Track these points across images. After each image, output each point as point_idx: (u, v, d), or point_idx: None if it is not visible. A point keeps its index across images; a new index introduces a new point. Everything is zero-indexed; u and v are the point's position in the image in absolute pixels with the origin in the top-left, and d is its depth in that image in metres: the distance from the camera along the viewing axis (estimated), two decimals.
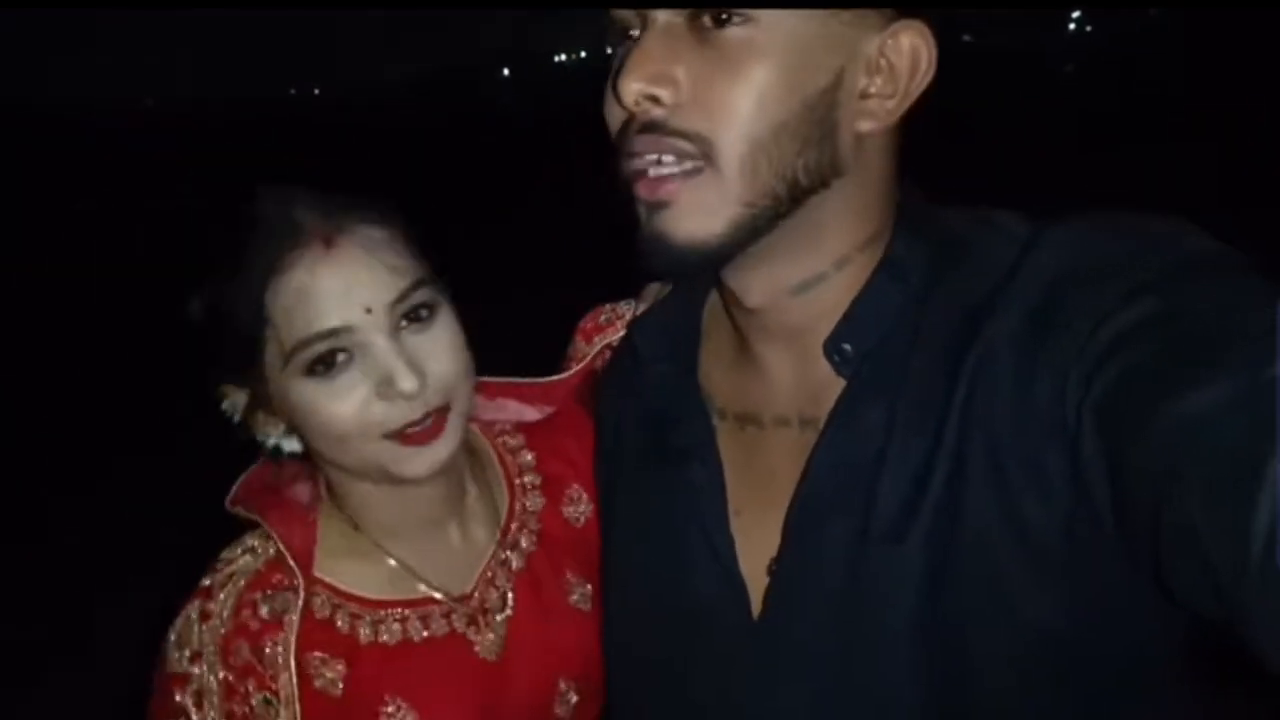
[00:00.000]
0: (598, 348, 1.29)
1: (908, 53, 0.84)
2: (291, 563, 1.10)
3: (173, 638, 1.08)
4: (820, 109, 0.83)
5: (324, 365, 1.00)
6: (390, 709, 1.10)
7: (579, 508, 1.28)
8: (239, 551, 1.13)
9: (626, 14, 0.87)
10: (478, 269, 1.09)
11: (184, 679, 1.06)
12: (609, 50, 0.92)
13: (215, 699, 1.05)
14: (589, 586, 1.24)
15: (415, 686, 1.12)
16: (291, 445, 1.14)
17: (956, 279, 0.88)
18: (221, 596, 1.09)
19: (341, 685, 1.10)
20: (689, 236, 0.85)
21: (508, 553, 1.21)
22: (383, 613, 1.13)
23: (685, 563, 0.99)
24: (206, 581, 1.10)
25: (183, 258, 1.10)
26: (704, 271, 0.94)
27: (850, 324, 0.91)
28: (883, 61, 0.84)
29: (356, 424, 1.02)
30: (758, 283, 0.93)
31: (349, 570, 1.14)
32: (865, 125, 0.86)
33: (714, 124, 0.83)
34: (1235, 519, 0.56)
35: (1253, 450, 0.56)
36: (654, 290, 1.24)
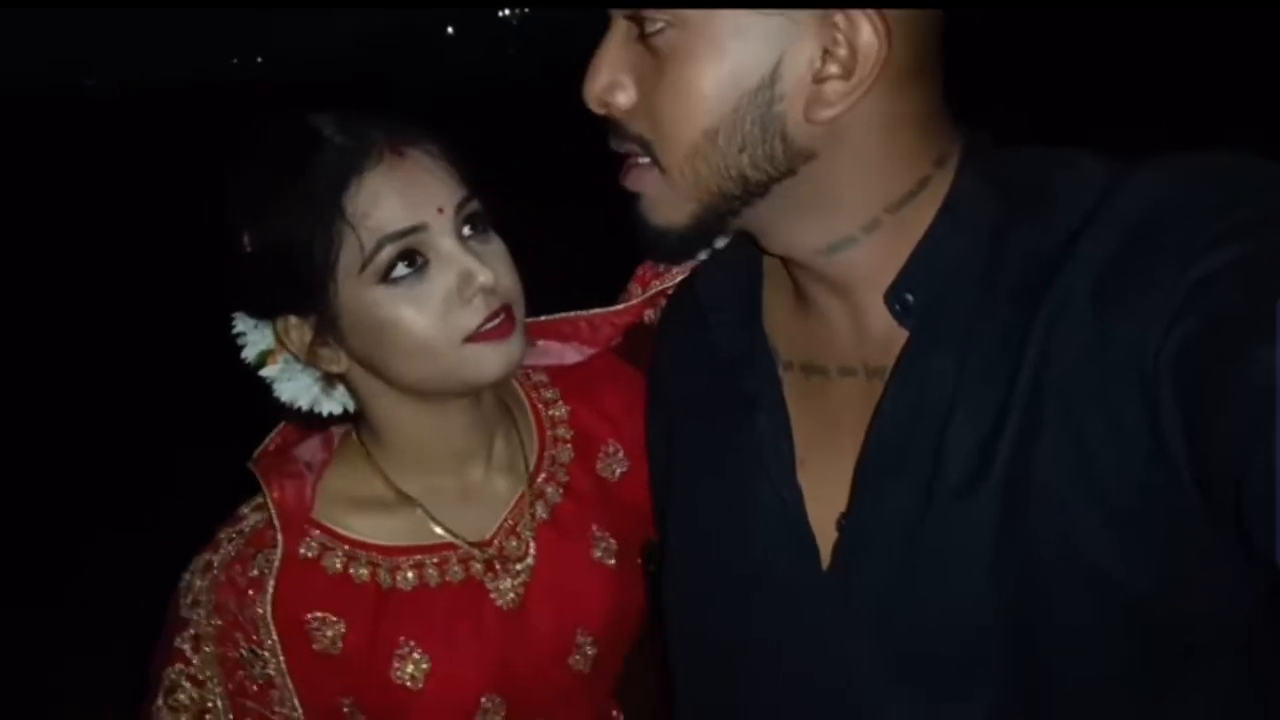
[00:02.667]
0: (652, 292, 1.29)
1: (857, 36, 0.79)
2: (276, 522, 1.10)
3: (181, 585, 1.12)
4: (755, 109, 0.81)
5: (407, 263, 1.02)
6: (403, 650, 1.11)
7: (614, 463, 1.28)
8: (250, 508, 1.16)
9: (610, 11, 0.88)
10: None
11: (184, 624, 1.10)
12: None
13: (210, 644, 1.09)
14: (615, 542, 1.23)
15: (429, 631, 1.12)
16: (330, 405, 1.16)
17: (1030, 225, 0.84)
18: (223, 551, 1.12)
19: (341, 644, 1.11)
20: (659, 224, 0.88)
21: (534, 502, 1.21)
22: (400, 559, 1.14)
23: (751, 513, 0.97)
24: (219, 535, 1.14)
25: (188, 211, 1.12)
26: (690, 253, 0.95)
27: (910, 273, 0.87)
28: (838, 49, 0.79)
29: (440, 330, 1.03)
30: (782, 246, 0.92)
31: (367, 521, 1.15)
32: (825, 113, 0.81)
33: (652, 130, 0.85)
34: None
35: None
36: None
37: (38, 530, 4.13)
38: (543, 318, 1.29)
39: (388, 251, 1.01)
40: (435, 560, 1.15)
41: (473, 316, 1.04)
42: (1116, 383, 0.74)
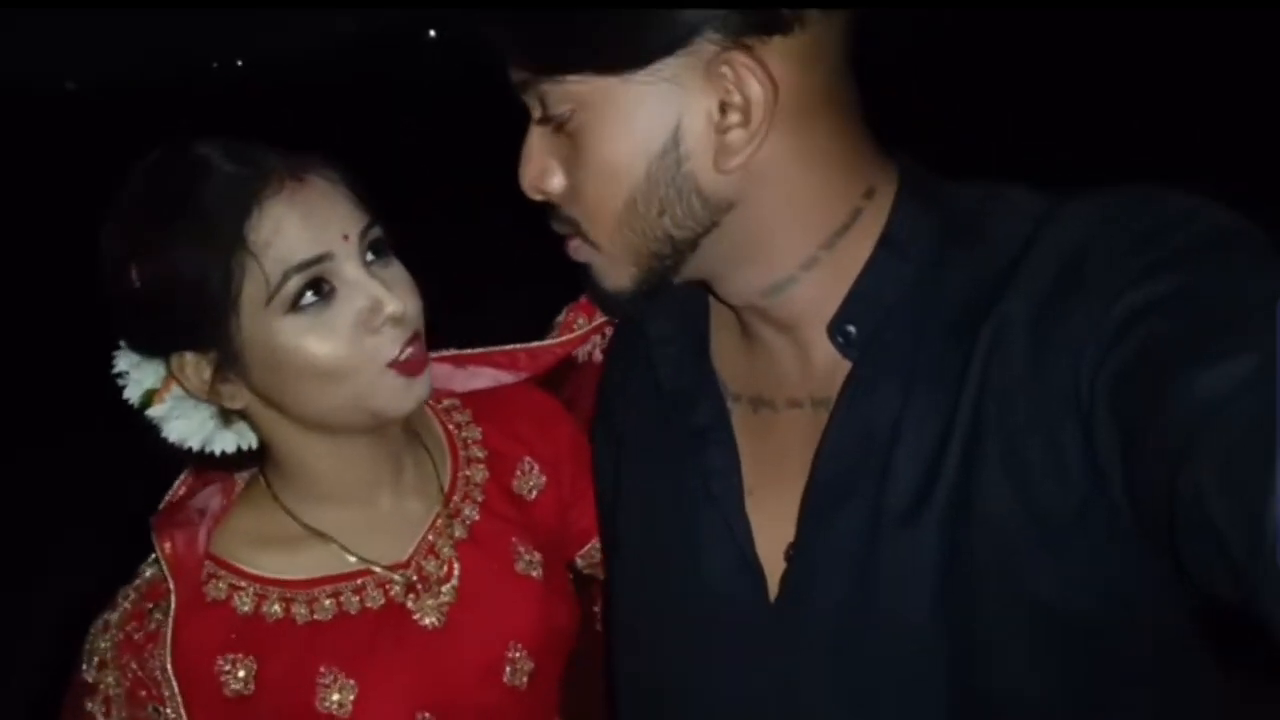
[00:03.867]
0: (593, 325, 1.29)
1: (745, 85, 0.81)
2: (166, 571, 1.07)
3: (86, 646, 1.09)
4: (665, 171, 0.84)
5: (314, 292, 1.00)
6: (326, 680, 1.08)
7: (530, 480, 1.26)
8: (147, 564, 1.13)
9: (524, 98, 0.90)
10: (413, 246, 1.11)
11: (92, 688, 1.07)
12: None
13: (120, 705, 1.06)
14: (539, 555, 1.21)
15: (353, 657, 1.09)
16: (223, 443, 1.13)
17: (967, 254, 0.86)
18: (120, 609, 1.10)
19: (254, 684, 1.07)
20: (609, 289, 0.92)
21: (451, 522, 1.19)
22: (315, 591, 1.11)
23: (699, 545, 0.98)
24: (117, 595, 1.11)
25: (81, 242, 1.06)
26: (644, 306, 0.97)
27: (852, 306, 0.89)
28: (732, 97, 0.82)
29: (349, 357, 1.01)
30: (725, 292, 0.95)
31: (277, 558, 1.12)
32: (733, 162, 0.83)
33: (578, 211, 0.89)
34: (1251, 500, 0.55)
35: (1269, 431, 0.55)
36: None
37: None
38: (483, 349, 1.30)
39: (295, 282, 0.98)
40: (353, 588, 1.12)
41: (388, 345, 1.02)
42: (1053, 410, 0.76)
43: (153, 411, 1.11)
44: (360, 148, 1.12)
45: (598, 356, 1.31)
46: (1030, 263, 0.81)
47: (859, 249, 0.89)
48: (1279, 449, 0.54)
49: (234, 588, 1.10)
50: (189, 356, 1.05)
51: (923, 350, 0.86)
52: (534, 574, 1.20)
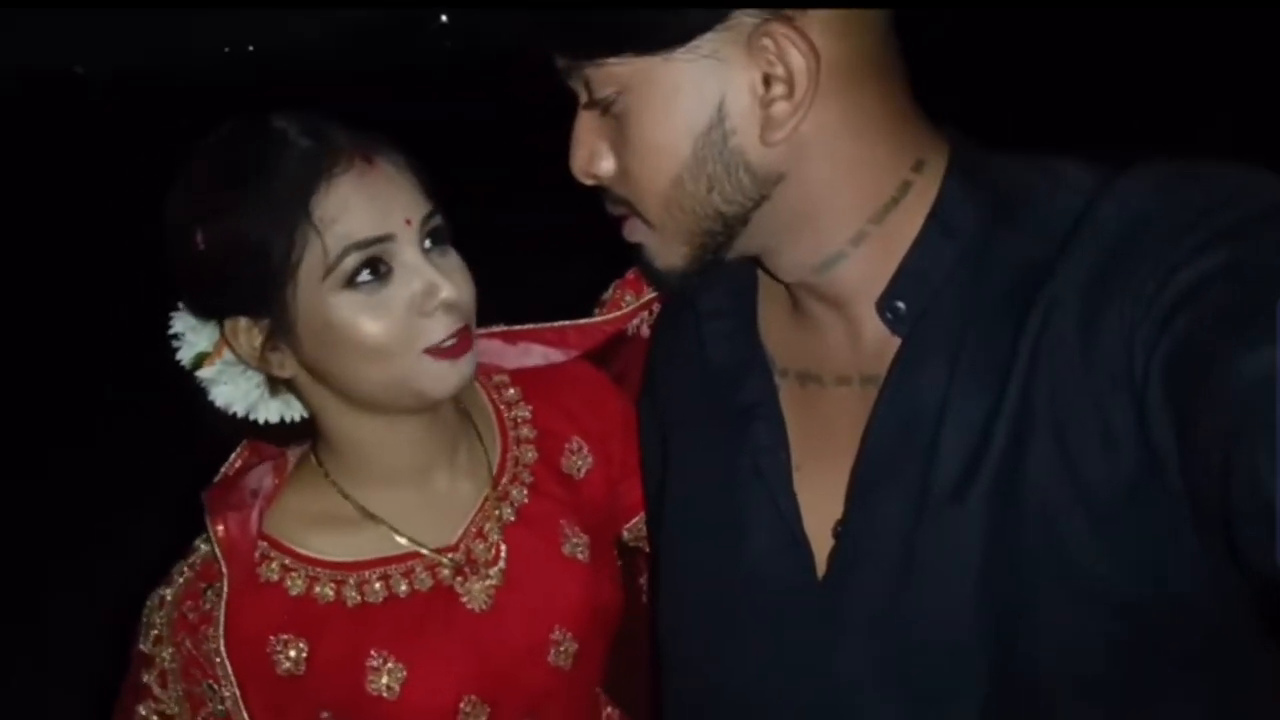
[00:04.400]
0: (643, 300, 1.29)
1: (787, 56, 0.81)
2: (219, 554, 1.09)
3: (143, 619, 1.11)
4: (712, 147, 0.84)
5: (370, 271, 1.01)
6: (375, 662, 1.10)
7: (579, 459, 1.27)
8: (202, 539, 1.14)
9: (570, 81, 0.90)
10: (460, 226, 1.11)
11: (149, 660, 1.10)
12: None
13: (176, 679, 1.09)
14: (586, 537, 1.22)
15: (401, 640, 1.11)
16: (268, 411, 1.15)
17: (1016, 231, 0.85)
18: (175, 586, 1.12)
19: (305, 665, 1.10)
20: (661, 268, 0.93)
21: (499, 504, 1.20)
22: (366, 573, 1.13)
23: (746, 521, 0.98)
24: (173, 569, 1.13)
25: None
26: (696, 284, 0.97)
27: (901, 282, 0.89)
28: (775, 69, 0.82)
29: (398, 337, 1.02)
30: (777, 268, 0.95)
31: (328, 539, 1.14)
32: (778, 134, 0.83)
33: (629, 191, 0.89)
34: None
35: None
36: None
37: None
38: (534, 326, 1.31)
39: (353, 259, 1.00)
40: (402, 570, 1.14)
41: (435, 330, 1.03)
42: (1105, 389, 0.75)
43: (202, 373, 1.13)
44: (388, 132, 1.10)
45: (645, 331, 1.31)
46: (1081, 242, 0.80)
47: (909, 224, 0.88)
48: None
49: (286, 569, 1.12)
50: (243, 322, 1.06)
51: (971, 329, 0.85)
52: (580, 556, 1.21)
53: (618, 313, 1.31)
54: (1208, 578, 0.79)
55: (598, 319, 1.32)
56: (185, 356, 1.12)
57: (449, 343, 1.04)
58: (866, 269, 0.90)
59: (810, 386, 0.97)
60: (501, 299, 1.23)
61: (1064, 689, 0.82)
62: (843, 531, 0.91)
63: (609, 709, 1.35)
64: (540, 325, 1.32)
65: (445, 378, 1.05)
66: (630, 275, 1.31)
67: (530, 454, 1.25)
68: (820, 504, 0.93)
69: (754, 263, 0.99)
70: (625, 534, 1.33)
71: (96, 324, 6.13)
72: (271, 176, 0.99)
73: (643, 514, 1.30)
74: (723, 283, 1.05)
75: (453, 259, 1.08)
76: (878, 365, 0.90)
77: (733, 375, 1.01)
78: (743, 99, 0.83)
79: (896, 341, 0.89)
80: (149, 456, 4.23)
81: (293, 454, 1.21)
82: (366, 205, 1.00)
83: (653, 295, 1.28)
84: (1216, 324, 0.66)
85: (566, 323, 1.32)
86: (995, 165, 0.90)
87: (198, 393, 1.14)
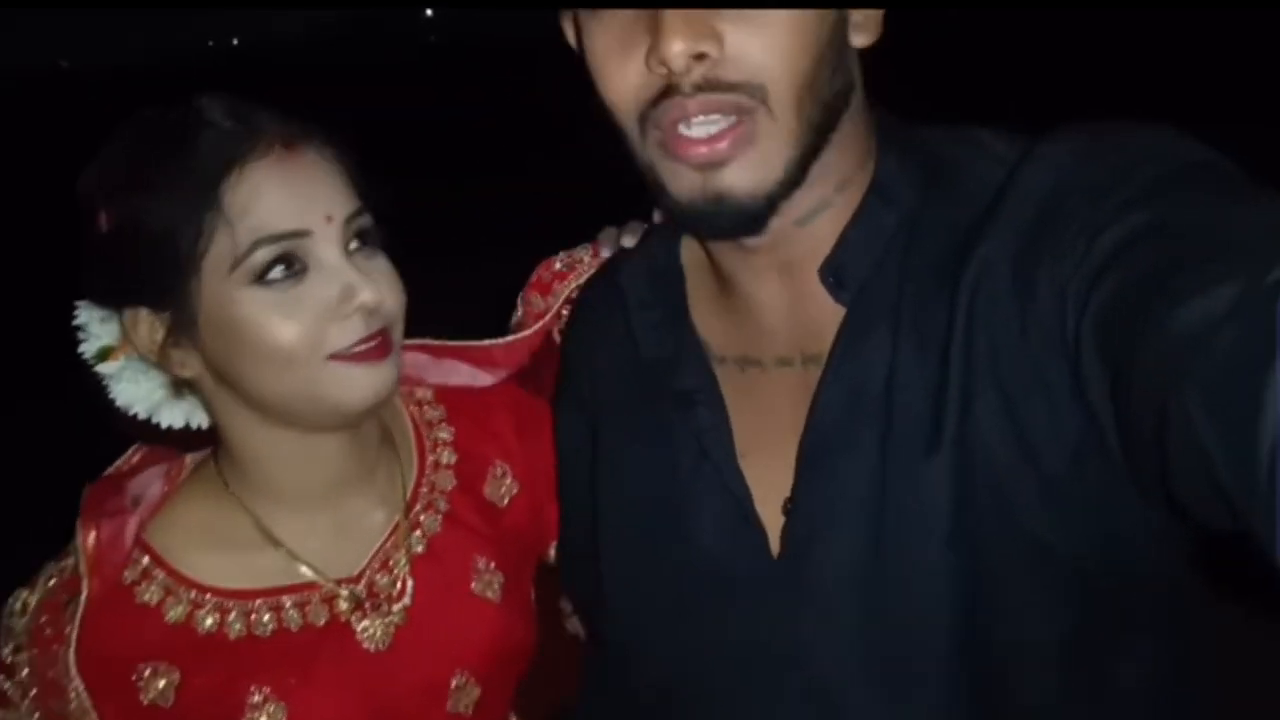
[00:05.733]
0: (560, 300, 1.23)
1: None
2: (82, 568, 1.01)
3: (4, 623, 1.03)
4: (840, 29, 0.84)
5: (283, 267, 0.94)
6: (256, 699, 1.01)
7: (503, 486, 1.19)
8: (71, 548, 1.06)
9: None
10: (411, 228, 1.07)
11: (9, 669, 1.02)
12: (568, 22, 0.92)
13: (34, 697, 1.01)
14: (500, 575, 1.14)
15: (287, 677, 1.03)
16: (171, 416, 1.06)
17: (945, 200, 0.87)
18: (39, 592, 1.04)
19: (174, 696, 1.01)
20: (752, 188, 0.84)
21: (410, 534, 1.11)
22: (255, 603, 1.04)
23: (694, 507, 0.96)
24: (42, 571, 1.05)
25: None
26: (759, 224, 0.88)
27: (845, 249, 0.90)
28: None
29: (307, 341, 0.94)
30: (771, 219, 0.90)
31: (220, 561, 1.05)
32: (860, 40, 0.87)
33: (765, 69, 0.81)
34: (1240, 426, 0.55)
35: (1255, 356, 0.55)
36: (612, 234, 1.21)
37: None
38: (458, 344, 1.24)
39: (264, 253, 0.93)
40: (296, 601, 1.05)
41: (347, 334, 0.96)
42: (1040, 352, 0.77)
43: (104, 368, 1.05)
44: (360, 129, 1.05)
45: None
46: (1007, 206, 0.82)
47: (860, 189, 0.91)
48: (1264, 376, 0.54)
49: (168, 591, 1.03)
50: (144, 313, 0.99)
51: (908, 295, 0.86)
52: (490, 595, 1.13)
53: (538, 324, 1.24)
54: (1154, 538, 0.81)
55: (522, 334, 1.25)
56: (89, 349, 1.05)
57: (361, 347, 0.96)
58: (827, 228, 0.90)
59: (750, 370, 0.96)
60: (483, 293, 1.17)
61: (1021, 652, 0.84)
62: (794, 506, 0.90)
63: None
64: (467, 343, 1.24)
65: (357, 384, 0.97)
66: (535, 279, 1.26)
67: (448, 480, 1.17)
68: (768, 485, 0.92)
69: (669, 247, 1.01)
70: (552, 553, 1.25)
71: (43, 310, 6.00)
72: (184, 157, 0.93)
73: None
74: (649, 273, 1.04)
75: (380, 263, 1.01)
76: (819, 344, 0.91)
77: (668, 363, 0.99)
78: None
79: (837, 317, 0.90)
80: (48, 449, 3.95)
81: (192, 459, 1.12)
82: (284, 196, 0.94)
83: (566, 292, 1.23)
84: (1143, 282, 0.68)
85: (490, 341, 1.25)
86: (919, 136, 0.92)
87: (100, 393, 1.06)
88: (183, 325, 0.97)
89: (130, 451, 1.12)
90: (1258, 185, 0.72)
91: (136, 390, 1.05)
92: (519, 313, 1.27)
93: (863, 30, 0.87)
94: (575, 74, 0.90)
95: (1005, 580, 0.82)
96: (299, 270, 0.95)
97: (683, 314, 1.01)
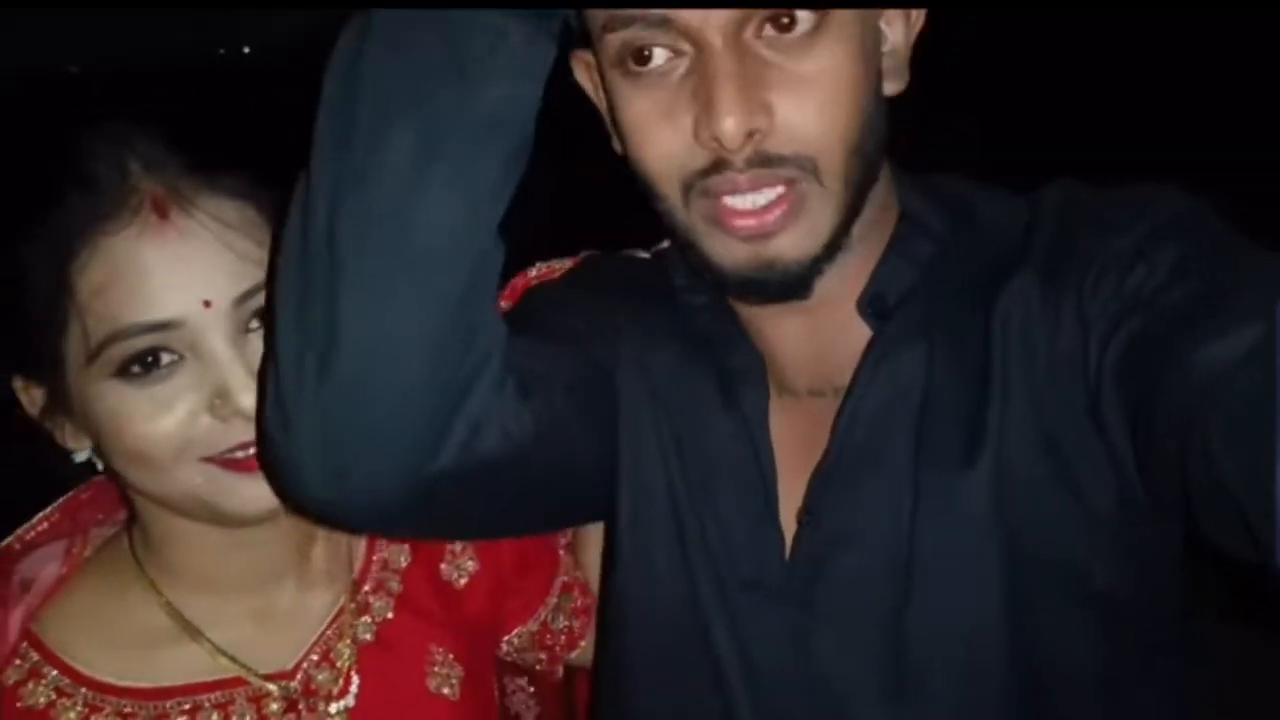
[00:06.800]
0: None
1: (901, 18, 0.86)
2: None
3: None
4: (877, 84, 0.84)
5: (142, 366, 0.80)
6: None
7: (460, 563, 1.04)
8: None
9: (650, 33, 0.78)
10: None
11: None
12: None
13: None
14: (461, 669, 0.99)
15: None
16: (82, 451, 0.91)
17: (972, 232, 0.88)
18: None
19: None
20: (800, 257, 0.83)
21: (356, 619, 0.97)
22: (166, 704, 0.89)
23: (723, 482, 0.93)
24: None
25: None
26: (809, 287, 0.86)
27: (882, 280, 0.89)
28: (889, 14, 0.85)
29: (174, 444, 0.81)
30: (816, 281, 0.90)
31: (126, 656, 0.90)
32: (891, 87, 0.86)
33: (811, 142, 0.79)
34: (1261, 463, 0.57)
35: (1272, 397, 0.57)
36: (594, 256, 1.13)
37: None
38: None
39: (117, 350, 0.79)
40: (216, 701, 0.90)
41: (221, 436, 0.82)
42: (1067, 384, 0.79)
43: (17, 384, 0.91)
44: None
45: None
46: (1035, 242, 0.84)
47: (885, 227, 0.90)
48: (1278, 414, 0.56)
49: (60, 693, 0.87)
50: (20, 381, 0.87)
51: (939, 320, 0.87)
52: (447, 692, 0.98)
53: None
54: (1169, 565, 0.85)
55: None
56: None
57: (239, 454, 0.82)
58: (851, 269, 0.89)
59: (785, 397, 0.95)
60: None
61: (1053, 678, 0.84)
62: (809, 517, 0.89)
63: None
64: None
65: (238, 494, 0.84)
66: (508, 289, 1.11)
67: (403, 556, 1.02)
68: (795, 500, 0.91)
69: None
70: (504, 646, 1.11)
71: None
72: (42, 220, 0.80)
73: (524, 626, 1.10)
74: (685, 268, 0.97)
75: None
76: (846, 375, 0.90)
77: (719, 342, 0.95)
78: (888, 36, 0.85)
79: (864, 345, 0.89)
80: None
81: (97, 533, 0.97)
82: (145, 278, 0.80)
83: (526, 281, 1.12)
84: (1165, 322, 0.71)
85: None
86: (929, 181, 0.93)
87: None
88: (59, 405, 0.84)
89: (37, 518, 0.97)
90: (1255, 242, 0.75)
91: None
92: None
93: (894, 77, 0.87)
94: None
95: (1039, 603, 0.83)
96: (171, 364, 0.81)
97: (726, 303, 0.96)
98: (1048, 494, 0.81)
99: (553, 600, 1.09)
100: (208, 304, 0.81)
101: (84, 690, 0.87)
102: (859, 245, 0.88)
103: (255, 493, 0.84)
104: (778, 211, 0.81)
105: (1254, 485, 0.58)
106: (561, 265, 1.13)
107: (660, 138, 0.82)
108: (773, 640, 0.90)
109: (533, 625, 1.10)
